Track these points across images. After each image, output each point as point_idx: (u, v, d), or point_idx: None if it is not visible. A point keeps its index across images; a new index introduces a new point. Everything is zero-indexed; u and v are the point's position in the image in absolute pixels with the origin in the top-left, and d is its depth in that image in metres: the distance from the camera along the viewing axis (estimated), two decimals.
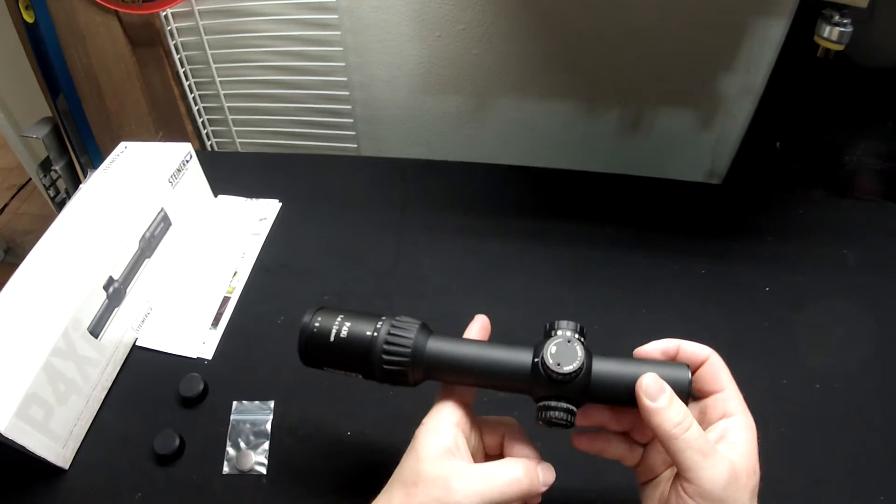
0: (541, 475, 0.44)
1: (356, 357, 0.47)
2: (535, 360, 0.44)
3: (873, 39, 0.94)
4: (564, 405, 0.43)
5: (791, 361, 0.70)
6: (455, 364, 0.46)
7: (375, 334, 0.46)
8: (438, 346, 0.47)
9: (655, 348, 0.47)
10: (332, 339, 0.48)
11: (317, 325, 0.49)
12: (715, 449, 0.40)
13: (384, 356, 0.46)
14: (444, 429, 0.45)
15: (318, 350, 0.49)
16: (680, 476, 0.41)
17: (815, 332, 0.73)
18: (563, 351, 0.43)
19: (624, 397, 0.44)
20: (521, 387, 0.45)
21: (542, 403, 0.44)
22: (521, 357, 0.45)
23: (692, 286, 0.78)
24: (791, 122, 1.11)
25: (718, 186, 1.15)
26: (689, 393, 0.44)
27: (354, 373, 0.49)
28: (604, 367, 0.44)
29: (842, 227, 0.85)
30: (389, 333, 0.46)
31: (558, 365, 0.42)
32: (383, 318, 0.48)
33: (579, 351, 0.43)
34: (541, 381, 0.44)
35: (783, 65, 1.04)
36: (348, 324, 0.48)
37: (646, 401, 0.42)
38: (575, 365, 0.42)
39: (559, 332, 0.44)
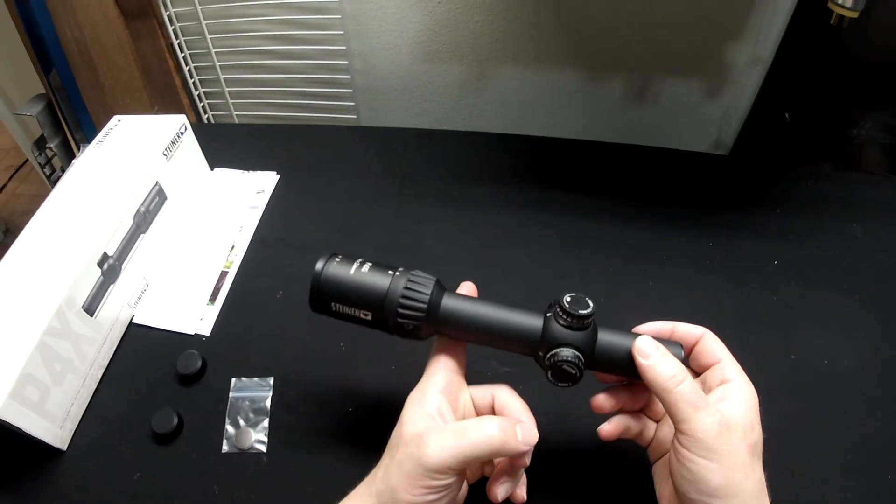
0: (519, 433, 0.44)
1: (371, 302, 0.48)
2: (548, 313, 0.47)
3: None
4: (573, 352, 0.45)
5: (799, 336, 0.69)
6: (467, 322, 0.48)
7: (393, 283, 0.48)
8: (453, 303, 0.48)
9: (650, 328, 0.50)
10: (350, 274, 0.48)
11: (336, 261, 0.49)
12: (707, 403, 0.43)
13: (400, 307, 0.47)
14: (427, 396, 0.47)
15: (334, 286, 0.49)
16: (676, 430, 0.43)
17: (824, 306, 0.72)
18: (577, 300, 0.46)
19: (625, 365, 0.47)
20: (530, 345, 0.47)
21: (552, 353, 0.46)
22: (532, 318, 0.47)
23: (699, 258, 0.77)
24: (800, 93, 1.09)
25: (726, 157, 1.14)
26: None
27: (365, 312, 0.49)
28: (607, 337, 0.47)
29: (850, 201, 0.84)
30: (408, 284, 0.48)
31: (574, 308, 0.45)
32: (400, 269, 0.49)
33: (591, 302, 0.46)
34: (551, 336, 0.46)
35: (793, 35, 1.02)
36: (367, 266, 0.49)
37: (640, 359, 0.45)
38: (590, 309, 0.45)
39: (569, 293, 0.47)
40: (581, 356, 0.45)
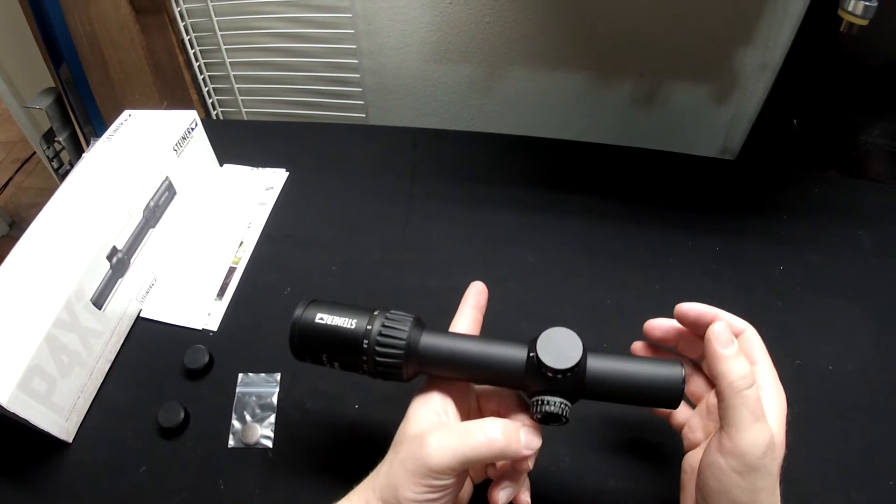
0: (523, 437, 0.43)
1: (348, 352, 0.47)
2: (531, 354, 0.44)
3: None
4: (559, 399, 0.44)
5: (804, 342, 0.69)
6: (449, 360, 0.47)
7: (369, 328, 0.46)
8: (432, 341, 0.47)
9: (693, 309, 0.48)
10: (323, 333, 0.47)
11: (308, 319, 0.48)
12: (765, 417, 0.40)
13: (378, 350, 0.46)
14: (433, 395, 0.47)
15: (309, 345, 0.48)
16: (723, 432, 0.41)
17: (829, 312, 0.71)
18: (559, 347, 0.43)
19: (618, 394, 0.45)
20: (514, 382, 0.46)
21: (536, 399, 0.44)
22: (516, 353, 0.45)
23: (705, 263, 0.77)
24: (808, 99, 1.09)
25: (733, 162, 1.14)
26: (682, 391, 0.44)
27: (347, 369, 0.49)
28: (598, 364, 0.45)
29: (857, 208, 0.84)
30: (383, 327, 0.46)
31: (553, 362, 0.43)
32: (376, 312, 0.47)
33: (577, 347, 0.43)
34: (535, 377, 0.44)
35: (802, 41, 1.02)
36: (340, 319, 0.47)
37: (717, 347, 0.42)
38: (570, 362, 0.43)
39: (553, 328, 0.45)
40: (568, 402, 0.44)
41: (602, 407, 0.47)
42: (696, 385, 0.50)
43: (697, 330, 0.48)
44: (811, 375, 0.66)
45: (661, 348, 0.52)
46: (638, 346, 0.53)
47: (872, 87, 1.01)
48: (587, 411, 0.48)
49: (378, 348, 0.46)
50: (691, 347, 0.50)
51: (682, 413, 0.50)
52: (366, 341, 0.46)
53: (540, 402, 0.44)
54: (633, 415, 0.59)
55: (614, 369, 0.45)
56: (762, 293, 0.73)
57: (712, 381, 0.48)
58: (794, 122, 1.10)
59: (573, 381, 0.44)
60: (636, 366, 0.45)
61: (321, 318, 0.47)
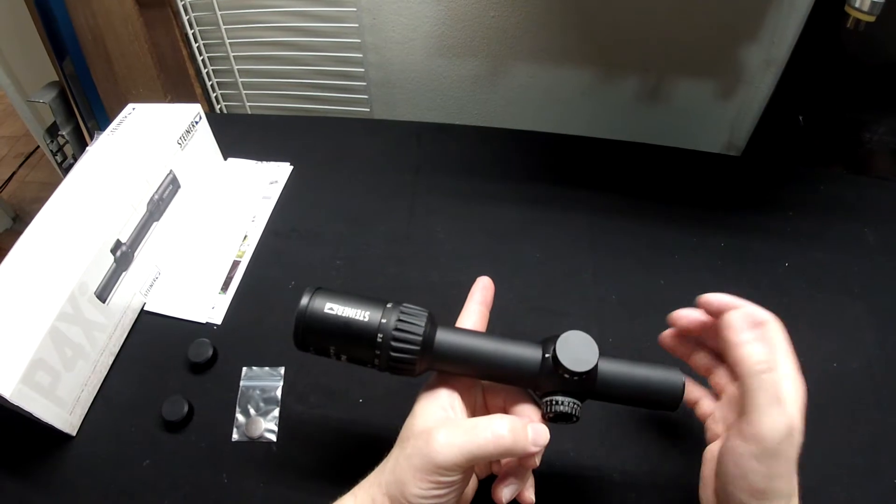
0: (530, 434, 0.43)
1: (361, 346, 0.46)
2: (547, 355, 0.45)
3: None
4: (571, 399, 0.45)
5: (808, 339, 0.67)
6: (463, 358, 0.46)
7: (384, 321, 0.45)
8: (447, 338, 0.47)
9: (716, 299, 0.48)
10: (333, 325, 0.46)
11: (316, 309, 0.46)
12: (784, 402, 0.40)
13: (393, 346, 0.45)
14: (440, 390, 0.47)
15: (316, 336, 0.46)
16: (743, 417, 0.41)
17: (834, 309, 0.71)
18: (576, 350, 0.44)
19: (624, 396, 0.46)
20: (527, 382, 0.47)
21: (548, 399, 0.45)
22: (530, 353, 0.46)
23: (710, 259, 0.76)
24: (814, 96, 1.09)
25: (738, 158, 1.14)
26: (682, 397, 0.46)
27: (355, 363, 0.47)
28: (608, 367, 0.46)
29: (863, 205, 0.83)
30: (399, 322, 0.45)
31: (572, 364, 0.43)
32: (389, 304, 0.46)
33: (594, 352, 0.44)
34: (549, 377, 0.44)
35: (808, 37, 1.01)
36: (352, 311, 0.46)
37: (729, 333, 0.44)
38: (587, 366, 0.43)
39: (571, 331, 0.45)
40: (579, 403, 0.45)
41: (607, 403, 0.47)
42: (719, 377, 0.50)
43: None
44: (815, 372, 0.64)
45: (686, 338, 0.53)
46: (666, 336, 0.53)
47: (878, 84, 1.01)
48: (592, 407, 0.48)
49: (394, 343, 0.45)
50: (716, 338, 0.50)
51: (706, 405, 0.50)
52: (380, 336, 0.45)
53: (553, 402, 0.45)
54: (636, 410, 0.59)
55: (622, 373, 0.46)
56: (767, 290, 0.73)
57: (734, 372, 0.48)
58: (800, 118, 1.10)
59: (586, 383, 0.44)
60: (642, 371, 0.46)
61: (331, 309, 0.46)
